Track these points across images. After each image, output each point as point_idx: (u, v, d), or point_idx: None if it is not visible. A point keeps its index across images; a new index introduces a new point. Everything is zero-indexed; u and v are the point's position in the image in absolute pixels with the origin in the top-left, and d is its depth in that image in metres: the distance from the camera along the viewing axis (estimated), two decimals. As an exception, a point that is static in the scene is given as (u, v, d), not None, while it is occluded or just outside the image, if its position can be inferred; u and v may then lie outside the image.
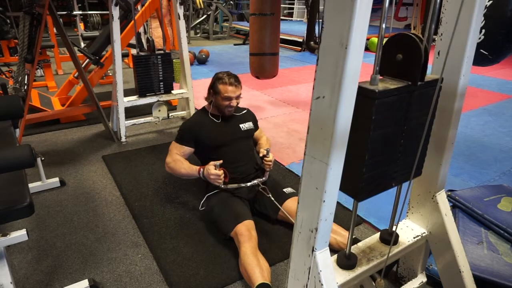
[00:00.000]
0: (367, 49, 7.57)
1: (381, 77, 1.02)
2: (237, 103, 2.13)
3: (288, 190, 2.07)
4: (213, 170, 1.90)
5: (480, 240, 1.75)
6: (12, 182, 1.46)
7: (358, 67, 0.85)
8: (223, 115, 2.16)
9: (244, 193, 2.07)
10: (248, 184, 2.03)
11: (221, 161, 1.94)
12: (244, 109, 2.31)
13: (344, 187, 1.04)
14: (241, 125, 2.18)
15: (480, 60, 2.11)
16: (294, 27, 9.46)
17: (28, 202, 1.33)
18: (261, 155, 2.11)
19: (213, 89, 2.12)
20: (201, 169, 1.96)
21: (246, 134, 2.20)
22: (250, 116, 2.30)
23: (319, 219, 0.98)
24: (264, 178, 2.09)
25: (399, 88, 0.98)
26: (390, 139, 1.04)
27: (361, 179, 1.01)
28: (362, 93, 0.93)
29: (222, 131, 2.12)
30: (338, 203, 1.65)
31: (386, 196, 1.24)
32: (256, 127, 2.31)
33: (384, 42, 0.97)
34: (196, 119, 2.22)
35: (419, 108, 1.06)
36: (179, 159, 2.08)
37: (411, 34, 0.98)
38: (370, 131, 0.95)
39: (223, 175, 1.92)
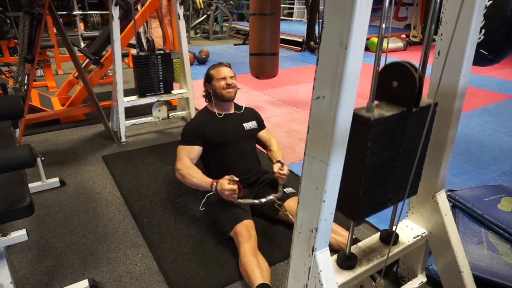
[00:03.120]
0: (367, 49, 7.56)
1: (377, 101, 1.05)
2: (235, 86, 2.11)
3: (288, 190, 2.07)
4: (228, 185, 1.79)
5: (480, 240, 1.75)
6: (12, 182, 1.46)
7: (358, 67, 0.85)
8: (224, 107, 2.14)
9: (244, 193, 2.06)
10: (263, 200, 1.91)
11: (236, 178, 1.84)
12: (243, 106, 2.30)
13: (341, 208, 1.07)
14: (244, 124, 2.18)
15: (480, 60, 2.11)
16: (294, 27, 9.46)
17: (28, 202, 1.33)
18: (275, 168, 2.00)
19: (207, 80, 2.15)
20: (214, 183, 1.84)
21: (250, 134, 2.19)
22: (253, 115, 2.29)
23: (319, 219, 0.98)
24: (279, 194, 1.98)
25: (394, 115, 1.01)
26: (386, 163, 1.07)
27: (357, 202, 1.04)
28: (358, 120, 0.95)
29: (225, 129, 2.12)
30: (338, 203, 1.65)
31: (386, 196, 1.24)
32: (261, 126, 2.29)
33: (380, 69, 1.00)
34: (198, 118, 2.21)
35: (414, 132, 1.09)
36: (191, 167, 1.98)
37: (405, 64, 1.01)
38: (366, 157, 0.98)
39: (237, 189, 1.82)
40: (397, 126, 1.03)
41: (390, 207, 1.19)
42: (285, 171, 1.99)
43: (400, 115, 1.02)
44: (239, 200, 1.86)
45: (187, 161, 2.01)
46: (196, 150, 2.06)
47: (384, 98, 1.06)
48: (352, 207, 1.06)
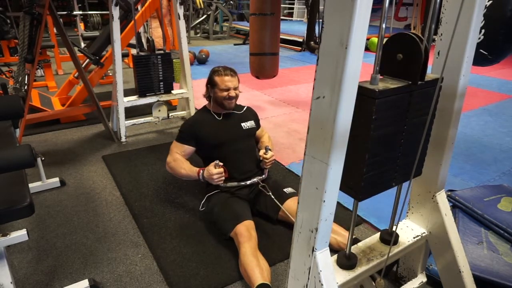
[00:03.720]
0: (367, 49, 7.56)
1: (381, 77, 1.03)
2: (236, 95, 2.11)
3: (288, 190, 2.07)
4: (214, 169, 1.90)
5: (480, 240, 1.75)
6: (12, 182, 1.46)
7: (358, 67, 0.85)
8: (223, 110, 2.15)
9: (244, 193, 2.07)
10: (248, 182, 2.03)
11: (221, 163, 1.93)
12: (244, 106, 2.30)
13: (345, 187, 1.04)
14: (242, 124, 2.18)
15: (480, 60, 2.11)
16: (294, 27, 9.46)
17: (28, 202, 1.33)
18: (260, 153, 2.10)
19: (210, 83, 2.13)
20: (201, 171, 1.95)
21: (248, 133, 2.19)
22: (251, 114, 2.29)
23: (319, 219, 0.98)
24: (263, 176, 2.09)
25: (399, 87, 0.98)
26: (391, 138, 1.04)
27: (361, 179, 1.01)
28: (363, 92, 0.93)
29: (223, 129, 2.12)
30: (338, 203, 1.65)
31: (386, 196, 1.24)
32: (258, 125, 2.30)
33: (384, 41, 0.97)
34: (196, 118, 2.22)
35: (419, 107, 1.06)
36: (179, 159, 2.07)
37: (411, 34, 0.98)
38: (371, 130, 0.95)
39: (224, 173, 1.92)
40: (402, 99, 1.01)
41: (395, 187, 1.16)
42: (269, 155, 2.07)
43: (406, 88, 1.00)
44: (225, 184, 2.00)
45: (177, 155, 2.09)
46: (187, 150, 2.11)
47: (389, 72, 1.04)
48: (356, 185, 1.03)
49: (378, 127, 0.97)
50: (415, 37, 0.98)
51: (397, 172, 1.12)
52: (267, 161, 2.07)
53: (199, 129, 2.11)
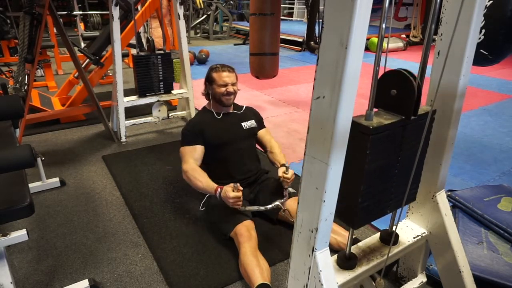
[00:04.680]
0: (367, 49, 7.57)
1: (376, 110, 1.06)
2: (234, 92, 2.10)
3: (288, 190, 2.06)
4: (232, 192, 1.76)
5: (480, 240, 1.75)
6: (12, 182, 1.46)
7: (358, 67, 0.85)
8: (223, 108, 2.14)
9: (245, 193, 2.06)
10: (269, 207, 1.90)
11: (241, 188, 1.80)
12: (243, 106, 2.29)
13: (340, 215, 1.09)
14: (242, 123, 2.16)
15: (480, 60, 2.11)
16: (294, 27, 9.46)
17: (28, 202, 1.33)
18: (280, 172, 1.96)
19: (208, 81, 2.12)
20: (219, 189, 1.82)
21: (249, 133, 2.18)
22: (252, 114, 2.27)
23: (319, 219, 0.98)
24: (285, 198, 1.95)
25: (393, 123, 1.02)
26: (385, 170, 1.08)
27: (356, 209, 1.05)
28: (357, 128, 0.97)
29: (224, 128, 2.11)
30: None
31: (386, 196, 1.24)
32: (260, 126, 2.27)
33: (379, 77, 1.01)
34: (198, 118, 2.20)
35: (413, 139, 1.10)
36: (197, 170, 1.95)
37: (404, 72, 1.02)
38: (365, 164, 0.99)
39: (242, 197, 1.79)
40: (396, 134, 1.05)
41: (389, 214, 1.20)
42: (290, 174, 1.95)
43: (399, 123, 1.04)
44: (244, 207, 1.84)
45: (192, 162, 1.99)
46: (199, 150, 2.04)
47: (383, 106, 1.08)
48: (351, 215, 1.07)
49: (373, 161, 1.01)
50: (408, 75, 1.01)
51: (392, 200, 1.16)
52: (288, 180, 1.94)
53: (202, 127, 2.08)
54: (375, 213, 1.12)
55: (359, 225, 1.09)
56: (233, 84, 2.08)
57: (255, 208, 1.90)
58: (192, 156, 2.01)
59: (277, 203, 1.92)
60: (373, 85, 0.97)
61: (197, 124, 2.14)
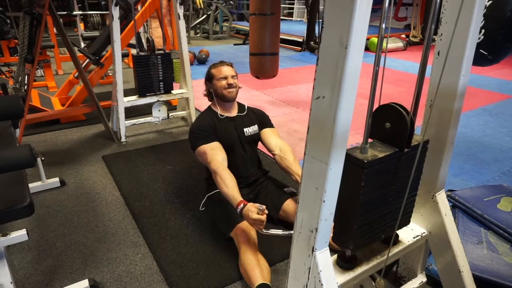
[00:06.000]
0: (367, 49, 7.57)
1: (371, 140, 1.09)
2: (236, 85, 2.05)
3: (288, 190, 2.06)
4: (255, 214, 1.61)
5: (480, 240, 1.75)
6: (12, 182, 1.46)
7: (358, 67, 0.85)
8: (227, 105, 2.08)
9: (244, 193, 2.06)
10: (287, 232, 1.70)
11: (266, 212, 1.64)
12: (246, 107, 2.21)
13: (336, 240, 1.14)
14: (245, 129, 2.10)
15: (480, 60, 2.11)
16: (294, 27, 9.46)
17: (28, 202, 1.33)
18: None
19: (208, 78, 2.10)
20: (242, 205, 1.67)
21: (251, 139, 2.12)
22: (255, 117, 2.17)
23: (319, 219, 0.98)
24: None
25: (387, 156, 1.05)
26: (379, 199, 1.11)
27: (352, 236, 1.09)
28: (352, 161, 1.00)
29: (227, 132, 2.05)
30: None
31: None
32: (263, 126, 2.15)
33: (374, 109, 1.04)
34: (205, 117, 2.10)
35: (406, 169, 1.13)
36: (227, 173, 1.80)
37: (397, 106, 1.05)
38: (360, 195, 1.02)
39: (265, 220, 1.64)
40: (390, 166, 1.08)
41: (383, 238, 1.23)
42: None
43: (393, 156, 1.07)
44: (265, 231, 1.68)
45: (220, 161, 1.85)
46: (218, 145, 1.94)
47: (378, 137, 1.11)
48: (347, 239, 1.11)
49: (367, 193, 1.04)
50: (401, 110, 1.04)
51: (387, 225, 1.19)
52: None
53: (213, 125, 2.01)
54: (370, 238, 1.16)
55: (355, 249, 1.14)
56: (232, 77, 2.04)
57: (277, 232, 1.72)
58: (217, 153, 1.89)
59: (286, 233, 1.73)
60: (368, 116, 1.01)
61: (207, 121, 2.04)
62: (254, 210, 1.62)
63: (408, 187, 1.06)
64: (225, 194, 1.75)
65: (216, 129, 2.01)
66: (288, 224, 2.03)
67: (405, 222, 1.29)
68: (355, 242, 1.11)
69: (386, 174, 1.08)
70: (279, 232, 1.73)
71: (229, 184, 1.75)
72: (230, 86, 2.03)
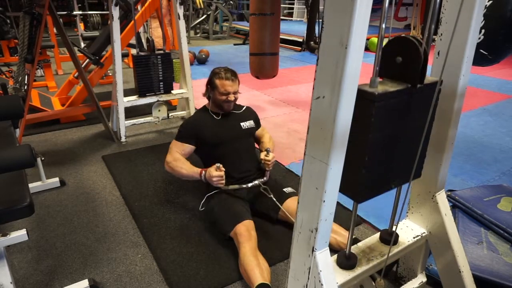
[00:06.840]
0: (367, 49, 7.56)
1: (380, 79, 1.02)
2: (235, 99, 2.12)
3: (288, 190, 2.07)
4: (215, 172, 1.89)
5: (480, 240, 1.75)
6: (12, 182, 1.46)
7: (358, 67, 0.85)
8: (222, 112, 2.16)
9: (244, 193, 2.07)
10: (249, 185, 2.03)
11: (220, 165, 1.91)
12: (243, 106, 2.30)
13: (344, 189, 1.03)
14: (242, 123, 2.18)
15: (480, 60, 2.11)
16: (294, 27, 9.46)
17: (28, 202, 1.33)
18: (262, 155, 2.08)
19: (210, 85, 2.13)
20: (203, 172, 1.94)
21: (247, 133, 2.19)
22: (251, 114, 2.29)
23: (319, 219, 0.98)
24: (265, 178, 2.08)
25: (399, 90, 0.98)
26: (390, 141, 1.04)
27: (360, 181, 1.01)
28: (362, 95, 0.93)
29: (222, 129, 2.12)
30: (338, 203, 1.65)
31: (386, 196, 1.24)
32: (257, 125, 2.30)
33: (384, 43, 0.97)
34: (196, 117, 2.22)
35: (418, 110, 1.06)
36: (180, 159, 2.06)
37: (410, 37, 0.98)
38: (370, 133, 0.95)
39: (224, 176, 1.91)
40: (401, 102, 1.01)
41: (394, 189, 1.16)
42: (270, 157, 2.05)
43: (405, 91, 1.00)
44: (227, 187, 1.99)
45: (176, 154, 2.07)
46: (187, 148, 2.11)
47: (388, 75, 1.04)
48: (355, 187, 1.03)
49: (377, 129, 0.97)
50: (414, 40, 0.97)
51: (396, 174, 1.12)
52: (268, 163, 2.05)
53: (199, 128, 2.11)
54: (379, 187, 1.08)
55: (363, 198, 1.05)
56: (234, 93, 2.09)
57: (236, 186, 2.02)
58: (179, 151, 2.09)
59: (256, 182, 2.05)
60: (378, 49, 0.94)
61: (195, 122, 2.16)
62: (212, 169, 1.89)
63: (425, 129, 0.99)
64: (185, 175, 2.01)
65: (199, 133, 2.11)
66: (288, 224, 2.03)
67: (416, 174, 1.20)
68: (363, 189, 1.03)
69: (397, 112, 1.01)
70: (237, 186, 2.02)
71: (184, 166, 2.01)
72: (229, 101, 2.10)
